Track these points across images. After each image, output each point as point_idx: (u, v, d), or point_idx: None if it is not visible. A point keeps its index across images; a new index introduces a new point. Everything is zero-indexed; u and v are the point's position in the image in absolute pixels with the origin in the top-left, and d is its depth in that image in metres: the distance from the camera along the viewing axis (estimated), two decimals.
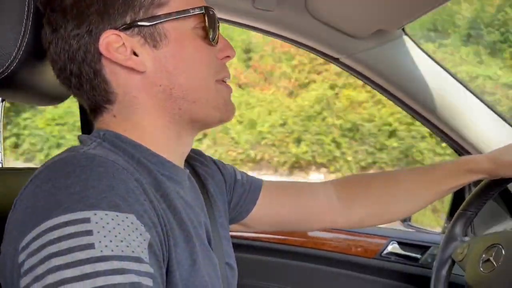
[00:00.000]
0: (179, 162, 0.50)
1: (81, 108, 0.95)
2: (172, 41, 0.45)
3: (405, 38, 0.83)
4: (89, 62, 0.45)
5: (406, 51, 0.85)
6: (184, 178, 0.50)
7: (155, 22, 0.44)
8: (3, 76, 0.46)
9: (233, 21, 0.86)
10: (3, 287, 0.40)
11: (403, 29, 0.82)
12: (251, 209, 0.67)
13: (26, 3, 0.47)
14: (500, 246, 0.68)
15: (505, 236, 0.73)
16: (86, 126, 0.96)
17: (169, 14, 0.44)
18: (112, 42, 0.43)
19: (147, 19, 0.44)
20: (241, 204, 0.66)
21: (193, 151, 0.60)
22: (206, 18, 0.46)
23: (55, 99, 0.59)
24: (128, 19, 0.43)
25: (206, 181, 0.59)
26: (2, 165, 0.70)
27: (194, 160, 0.61)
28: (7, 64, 0.46)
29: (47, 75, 0.53)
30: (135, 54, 0.44)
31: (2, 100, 0.66)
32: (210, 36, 0.46)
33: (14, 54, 0.46)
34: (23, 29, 0.46)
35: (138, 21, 0.43)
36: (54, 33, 0.45)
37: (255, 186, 0.67)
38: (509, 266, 0.66)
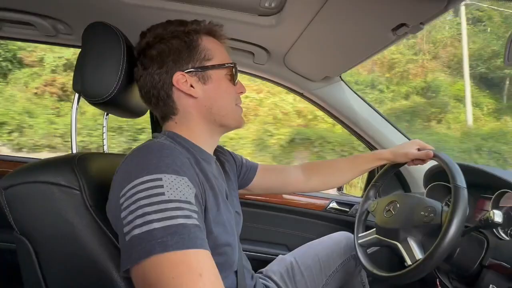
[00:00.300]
0: (210, 151, 0.64)
1: (151, 116, 1.15)
2: (214, 81, 0.60)
3: (341, 82, 1.13)
4: (165, 89, 0.58)
5: (341, 90, 1.14)
6: (213, 161, 0.64)
7: (205, 70, 0.59)
8: (108, 99, 0.60)
9: (242, 71, 1.10)
10: (110, 221, 0.50)
11: (340, 76, 1.12)
12: (250, 181, 0.86)
13: (122, 53, 0.61)
14: (396, 202, 0.86)
15: (399, 196, 0.89)
16: (154, 128, 1.17)
17: (213, 66, 0.59)
18: (180, 79, 0.57)
19: (201, 68, 0.58)
20: (244, 178, 0.85)
21: (218, 146, 0.76)
22: (233, 70, 0.62)
23: (138, 114, 0.76)
24: (190, 66, 0.58)
25: (224, 164, 0.76)
26: (106, 151, 0.85)
27: (218, 152, 0.77)
28: (110, 91, 0.60)
29: (134, 98, 0.67)
30: (192, 86, 0.58)
31: (107, 115, 0.82)
32: (234, 80, 0.62)
33: (114, 85, 0.60)
34: (120, 68, 0.60)
35: (195, 68, 0.58)
36: (144, 70, 0.59)
37: (254, 167, 0.87)
38: (401, 213, 0.82)
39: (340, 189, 1.30)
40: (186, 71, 0.57)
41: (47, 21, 0.89)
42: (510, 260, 0.70)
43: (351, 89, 1.16)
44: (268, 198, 1.31)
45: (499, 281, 0.71)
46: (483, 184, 0.87)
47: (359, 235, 0.94)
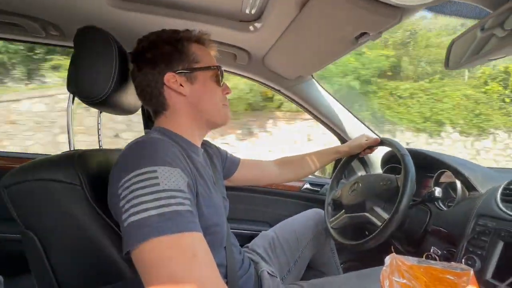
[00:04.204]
0: (198, 144, 0.65)
1: (143, 113, 1.13)
2: (200, 81, 0.60)
3: (313, 80, 1.15)
4: (157, 87, 0.59)
5: (313, 87, 1.16)
6: (201, 153, 0.66)
7: (193, 71, 0.59)
8: (103, 98, 0.60)
9: (225, 70, 0.99)
10: (111, 210, 0.49)
11: (312, 75, 1.14)
12: (232, 174, 0.87)
13: (114, 56, 0.60)
14: (358, 182, 0.94)
15: (361, 177, 0.96)
16: (146, 123, 1.14)
17: (200, 68, 0.60)
18: (170, 78, 0.58)
19: (189, 69, 0.59)
20: (227, 170, 0.86)
21: (206, 141, 0.78)
22: (219, 72, 0.62)
23: (130, 111, 0.74)
24: (180, 68, 0.59)
25: (212, 157, 0.76)
26: (101, 147, 0.82)
27: (206, 146, 0.79)
28: (104, 92, 0.59)
29: (127, 97, 0.67)
30: (181, 85, 0.59)
31: (100, 112, 0.78)
32: (220, 81, 0.63)
33: (108, 86, 0.60)
34: (113, 71, 0.60)
35: (184, 70, 0.59)
36: (139, 72, 0.60)
37: (236, 161, 0.88)
38: (364, 188, 0.89)
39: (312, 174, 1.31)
40: (176, 72, 0.58)
41: (37, 23, 0.84)
42: (447, 226, 0.79)
43: (322, 86, 1.18)
44: (251, 185, 1.26)
45: (438, 243, 0.80)
46: (427, 166, 0.95)
47: (330, 220, 0.97)
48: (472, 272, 0.40)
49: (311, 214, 1.04)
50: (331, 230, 0.94)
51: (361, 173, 1.33)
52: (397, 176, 0.84)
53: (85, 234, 0.51)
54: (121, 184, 0.44)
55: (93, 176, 0.55)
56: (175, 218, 0.41)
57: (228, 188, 0.77)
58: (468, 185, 0.80)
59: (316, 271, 1.02)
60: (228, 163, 0.85)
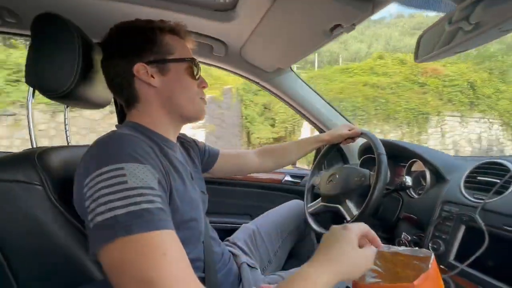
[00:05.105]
0: (173, 138, 0.63)
1: (116, 106, 1.08)
2: (173, 73, 0.58)
3: (292, 72, 1.15)
4: (127, 78, 0.56)
5: (292, 79, 1.17)
6: (177, 147, 0.64)
7: (165, 62, 0.57)
8: (67, 91, 0.57)
9: (202, 62, 1.07)
10: (77, 210, 0.46)
11: (290, 68, 1.14)
12: (212, 166, 0.86)
13: (77, 45, 0.58)
14: (336, 174, 0.94)
15: (338, 169, 0.97)
16: (120, 116, 1.09)
17: (173, 60, 0.58)
18: (140, 69, 0.56)
19: (161, 60, 0.57)
20: (207, 162, 0.85)
21: (182, 134, 0.75)
22: (193, 64, 0.60)
23: (100, 105, 0.71)
24: (151, 58, 0.56)
25: (189, 151, 0.75)
26: (69, 143, 0.78)
27: (183, 139, 0.77)
28: (68, 84, 0.57)
29: (95, 90, 0.64)
30: (152, 77, 0.56)
31: (67, 107, 0.74)
32: (195, 74, 0.60)
33: (72, 78, 0.57)
34: (76, 62, 0.57)
35: (155, 61, 0.57)
36: (108, 61, 0.58)
37: (215, 153, 0.87)
38: (340, 181, 0.90)
39: (293, 163, 1.31)
40: (146, 61, 0.56)
41: None
42: (417, 213, 0.83)
43: (300, 78, 1.18)
44: (233, 176, 1.28)
45: (409, 229, 0.84)
46: (399, 155, 0.98)
47: (309, 205, 1.00)
48: (433, 256, 0.42)
49: (292, 205, 1.06)
50: (308, 215, 0.96)
51: (339, 163, 1.35)
52: (371, 173, 0.86)
53: (49, 237, 0.48)
54: (87, 183, 0.42)
55: (57, 174, 0.52)
56: (144, 217, 0.39)
57: (208, 182, 0.77)
58: (436, 174, 0.84)
59: (297, 261, 1.03)
60: (207, 155, 0.85)
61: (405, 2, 0.59)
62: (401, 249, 0.46)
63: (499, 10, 0.43)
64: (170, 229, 0.42)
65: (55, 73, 0.55)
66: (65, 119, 0.78)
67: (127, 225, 0.38)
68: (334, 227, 0.47)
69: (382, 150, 0.81)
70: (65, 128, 0.79)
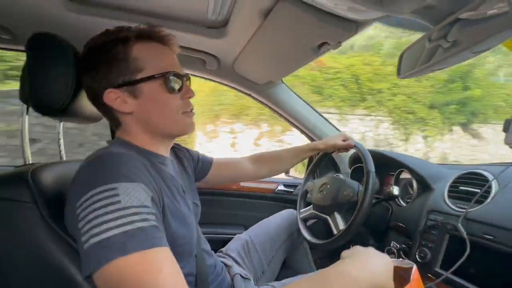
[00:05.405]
0: (166, 153, 0.61)
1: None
2: (145, 94, 0.53)
3: (283, 84, 1.18)
4: (101, 105, 0.54)
5: (283, 91, 1.19)
6: (169, 161, 0.62)
7: (135, 84, 0.52)
8: (63, 107, 0.58)
9: (195, 75, 1.10)
10: (68, 229, 0.46)
11: (282, 80, 1.16)
12: (206, 174, 0.85)
13: (71, 63, 0.58)
14: (327, 184, 0.96)
15: (330, 178, 0.98)
16: (112, 130, 1.07)
17: (144, 79, 0.52)
18: (110, 96, 0.52)
19: (130, 82, 0.51)
20: (200, 171, 0.84)
21: (175, 144, 0.75)
22: (168, 78, 0.53)
23: (95, 119, 0.70)
24: (119, 80, 0.51)
25: (182, 160, 0.74)
26: (62, 158, 0.77)
27: (176, 149, 0.76)
28: (62, 102, 0.57)
29: (88, 105, 0.62)
30: (126, 101, 0.53)
31: (60, 122, 0.74)
32: (172, 88, 0.54)
33: (66, 96, 0.57)
34: (71, 80, 0.57)
35: (124, 83, 0.51)
36: (86, 82, 0.55)
37: (209, 161, 0.86)
38: (330, 193, 0.92)
39: (287, 173, 1.35)
40: (116, 86, 0.52)
41: None
42: (404, 222, 0.85)
43: (291, 90, 1.21)
44: (226, 186, 1.33)
45: (398, 237, 0.86)
46: (388, 165, 1.01)
47: (301, 210, 1.01)
48: (415, 267, 0.44)
49: (285, 214, 1.06)
50: (300, 222, 0.96)
51: (331, 171, 1.37)
52: (360, 188, 0.88)
53: (41, 256, 0.48)
54: (80, 204, 0.42)
55: (51, 191, 0.52)
56: (139, 236, 0.39)
57: (201, 193, 0.76)
58: (422, 183, 0.87)
59: (290, 271, 1.03)
60: (201, 165, 0.84)
61: (386, 21, 0.62)
62: None
63: (472, 31, 0.46)
64: (165, 246, 0.43)
65: (50, 90, 0.56)
66: (58, 134, 0.78)
67: (123, 246, 0.38)
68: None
69: (371, 167, 0.82)
70: (59, 143, 0.79)
